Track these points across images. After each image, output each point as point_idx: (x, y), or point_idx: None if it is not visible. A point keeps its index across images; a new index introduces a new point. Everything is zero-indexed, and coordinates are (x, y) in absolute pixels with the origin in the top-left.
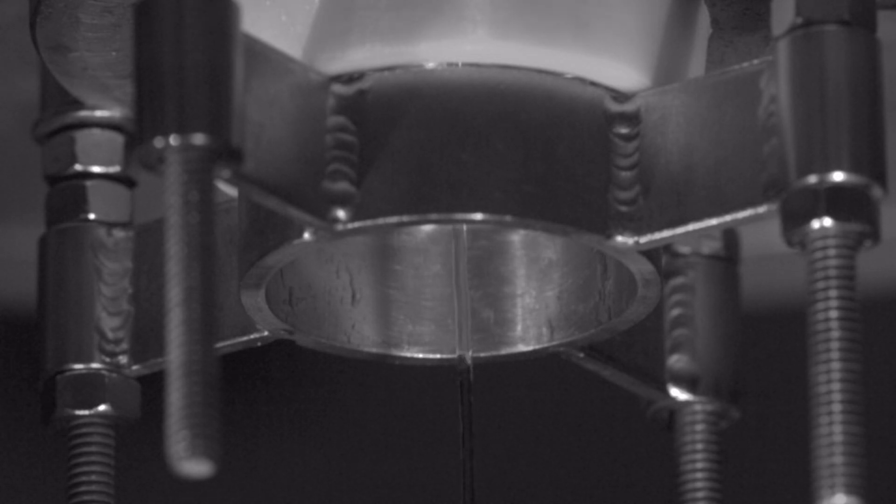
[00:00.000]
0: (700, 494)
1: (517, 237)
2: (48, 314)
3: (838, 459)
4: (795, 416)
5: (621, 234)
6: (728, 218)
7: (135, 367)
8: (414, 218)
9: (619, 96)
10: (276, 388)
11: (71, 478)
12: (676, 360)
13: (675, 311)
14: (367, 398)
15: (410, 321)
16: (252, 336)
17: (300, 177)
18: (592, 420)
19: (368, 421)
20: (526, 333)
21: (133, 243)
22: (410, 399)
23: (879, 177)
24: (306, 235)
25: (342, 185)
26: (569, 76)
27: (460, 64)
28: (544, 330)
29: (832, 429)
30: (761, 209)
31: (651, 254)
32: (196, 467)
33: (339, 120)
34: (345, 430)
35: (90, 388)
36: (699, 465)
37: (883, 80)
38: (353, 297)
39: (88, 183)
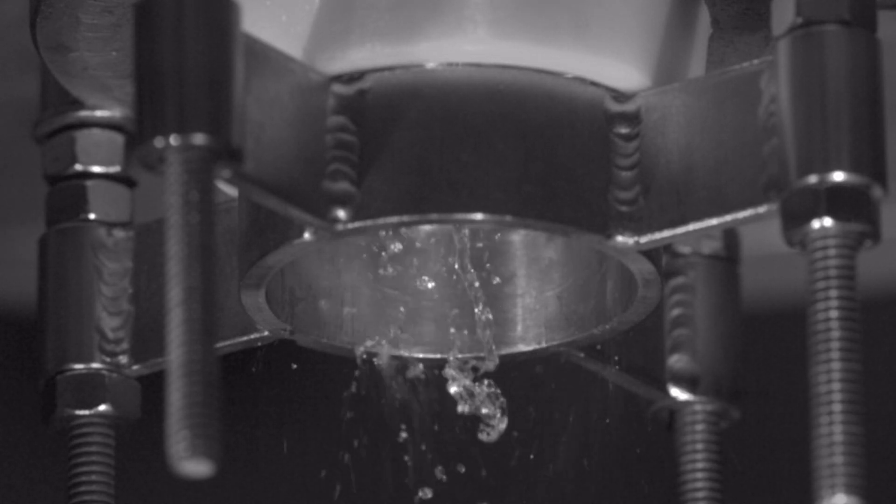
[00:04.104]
0: (700, 494)
1: (517, 237)
2: (48, 314)
3: (838, 459)
4: (795, 416)
5: (621, 234)
6: (728, 218)
7: (135, 367)
8: (414, 218)
9: (620, 96)
10: (275, 388)
11: (71, 478)
12: (676, 360)
13: (676, 311)
14: (367, 398)
15: (410, 321)
16: (252, 336)
17: (300, 177)
18: (593, 420)
19: (368, 420)
20: (526, 333)
21: (133, 243)
22: (409, 399)
23: (879, 177)
24: (306, 235)
25: (342, 185)
26: (569, 76)
27: (460, 64)
28: (544, 330)
29: (832, 429)
30: (761, 209)
31: (651, 254)
32: (196, 467)
33: (340, 120)
34: (344, 429)
35: (90, 388)
36: (699, 465)
37: (883, 80)
38: (354, 296)
39: (88, 183)
